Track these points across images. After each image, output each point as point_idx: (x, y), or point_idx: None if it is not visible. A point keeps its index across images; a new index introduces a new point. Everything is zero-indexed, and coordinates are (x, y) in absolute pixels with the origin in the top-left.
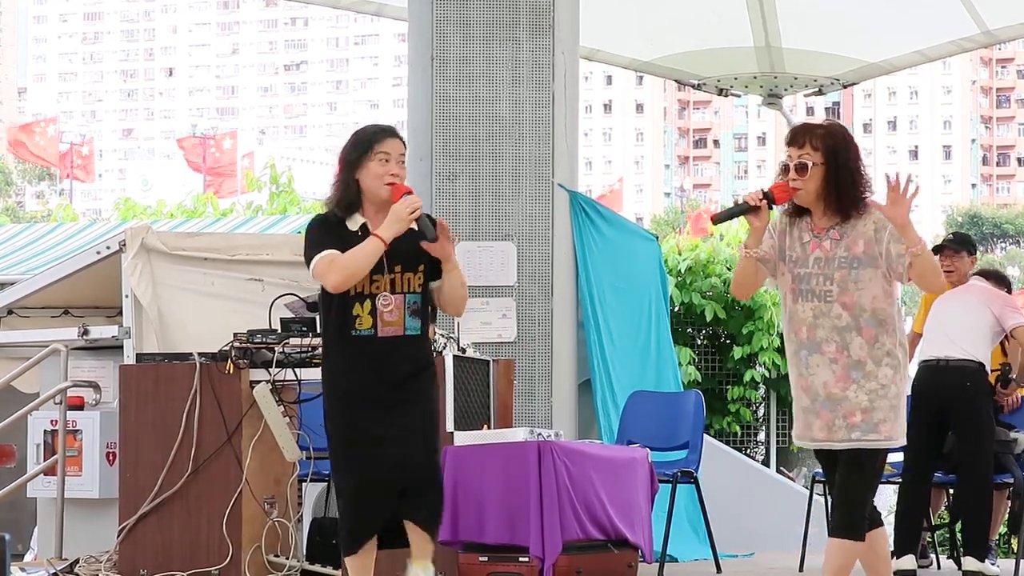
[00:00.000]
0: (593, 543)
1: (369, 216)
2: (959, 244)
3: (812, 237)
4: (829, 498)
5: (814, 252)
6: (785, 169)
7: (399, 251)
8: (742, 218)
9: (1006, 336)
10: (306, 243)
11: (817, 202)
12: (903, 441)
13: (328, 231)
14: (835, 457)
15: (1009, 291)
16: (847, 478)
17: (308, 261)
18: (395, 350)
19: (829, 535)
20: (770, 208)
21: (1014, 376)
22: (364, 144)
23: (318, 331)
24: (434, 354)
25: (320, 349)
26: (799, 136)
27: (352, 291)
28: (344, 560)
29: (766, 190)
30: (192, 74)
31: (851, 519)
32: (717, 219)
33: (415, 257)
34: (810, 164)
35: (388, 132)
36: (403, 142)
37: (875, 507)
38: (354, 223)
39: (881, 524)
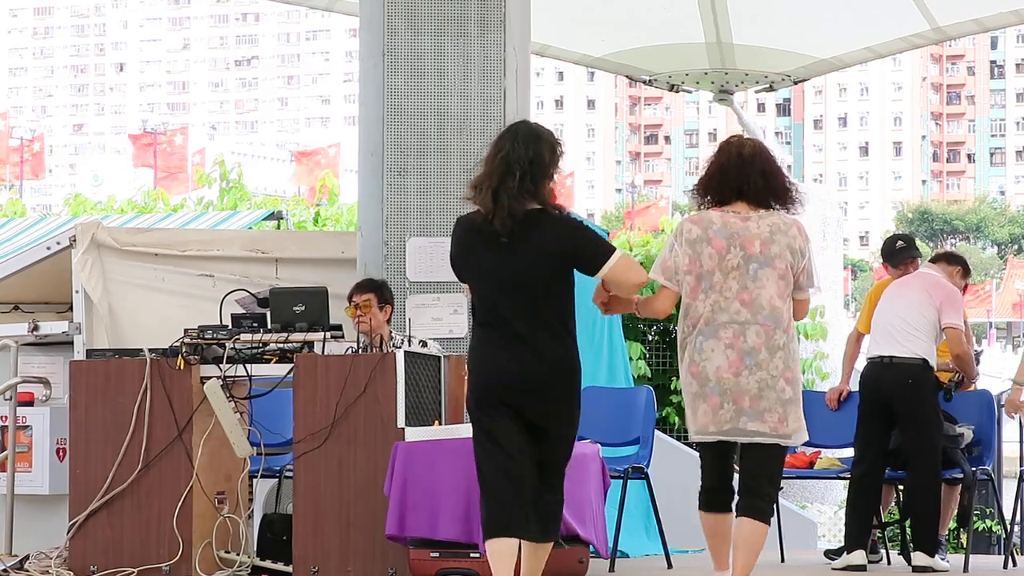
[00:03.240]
0: None
1: None
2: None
3: None
4: None
5: None
6: None
7: None
8: None
9: None
10: (598, 238)
11: None
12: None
13: None
14: None
15: (966, 272)
16: None
17: (610, 253)
18: None
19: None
20: None
21: (961, 379)
22: (561, 150)
23: (268, 327)
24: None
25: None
26: None
27: None
28: None
29: None
30: (143, 69)
31: None
32: None
33: None
34: None
35: None
36: None
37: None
38: None
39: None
